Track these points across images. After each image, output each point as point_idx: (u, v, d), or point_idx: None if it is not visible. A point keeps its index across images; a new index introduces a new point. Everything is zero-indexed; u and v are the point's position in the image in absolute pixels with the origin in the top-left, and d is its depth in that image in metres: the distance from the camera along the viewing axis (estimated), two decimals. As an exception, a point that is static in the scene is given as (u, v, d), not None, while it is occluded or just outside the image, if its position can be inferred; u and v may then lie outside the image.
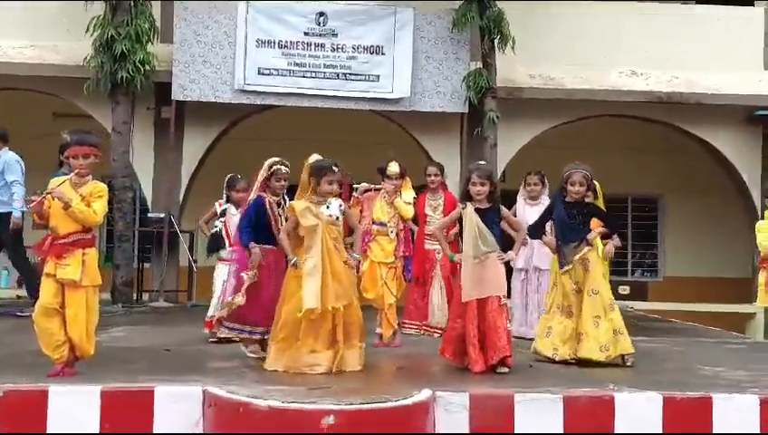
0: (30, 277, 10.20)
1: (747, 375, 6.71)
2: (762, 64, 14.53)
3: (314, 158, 6.52)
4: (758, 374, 6.73)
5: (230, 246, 8.12)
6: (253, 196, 6.99)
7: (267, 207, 6.91)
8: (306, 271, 6.28)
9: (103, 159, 6.54)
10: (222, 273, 8.13)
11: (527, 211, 8.92)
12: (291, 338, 6.25)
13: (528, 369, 6.72)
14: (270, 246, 6.85)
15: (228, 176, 8.42)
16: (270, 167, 6.99)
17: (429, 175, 9.17)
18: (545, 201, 8.76)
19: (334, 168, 6.50)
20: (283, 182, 7.04)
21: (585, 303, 6.92)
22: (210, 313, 8.02)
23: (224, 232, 8.25)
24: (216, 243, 8.37)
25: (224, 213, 8.31)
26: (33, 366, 5.94)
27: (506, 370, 6.42)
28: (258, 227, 6.88)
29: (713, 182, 15.53)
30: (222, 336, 7.35)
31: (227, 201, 8.34)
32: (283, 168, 7.01)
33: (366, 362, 6.51)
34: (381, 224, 8.21)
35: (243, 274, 6.87)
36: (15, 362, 6.32)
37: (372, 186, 8.42)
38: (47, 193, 5.80)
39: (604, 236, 7.40)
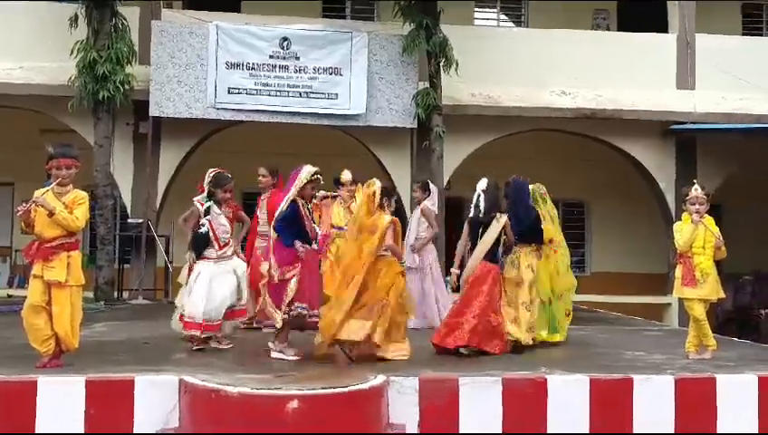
0: None
1: (664, 358, 6.84)
2: (675, 84, 14.75)
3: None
4: (674, 358, 6.85)
5: (219, 248, 6.95)
6: (286, 202, 6.61)
7: (302, 211, 6.71)
8: None
9: (84, 170, 6.44)
10: (206, 270, 6.85)
11: (414, 216, 8.96)
12: None
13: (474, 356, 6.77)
14: (309, 247, 6.61)
15: (214, 172, 7.09)
16: (312, 174, 6.74)
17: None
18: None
19: None
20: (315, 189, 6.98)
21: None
22: (185, 311, 6.79)
23: (210, 232, 6.93)
24: (204, 244, 6.94)
25: (207, 211, 6.95)
26: (22, 359, 5.84)
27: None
28: (296, 229, 6.60)
29: (633, 188, 15.72)
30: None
31: (209, 199, 7.00)
32: (320, 177, 6.83)
33: (329, 352, 6.54)
34: (339, 228, 8.21)
35: (275, 271, 6.54)
36: (5, 356, 6.21)
37: (330, 193, 8.40)
38: (32, 202, 5.72)
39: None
